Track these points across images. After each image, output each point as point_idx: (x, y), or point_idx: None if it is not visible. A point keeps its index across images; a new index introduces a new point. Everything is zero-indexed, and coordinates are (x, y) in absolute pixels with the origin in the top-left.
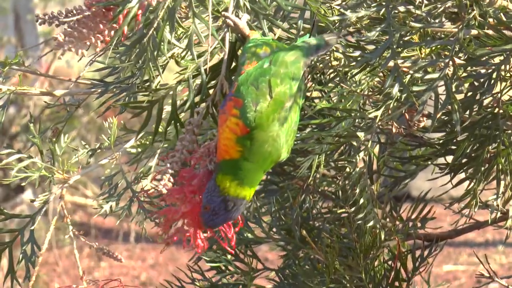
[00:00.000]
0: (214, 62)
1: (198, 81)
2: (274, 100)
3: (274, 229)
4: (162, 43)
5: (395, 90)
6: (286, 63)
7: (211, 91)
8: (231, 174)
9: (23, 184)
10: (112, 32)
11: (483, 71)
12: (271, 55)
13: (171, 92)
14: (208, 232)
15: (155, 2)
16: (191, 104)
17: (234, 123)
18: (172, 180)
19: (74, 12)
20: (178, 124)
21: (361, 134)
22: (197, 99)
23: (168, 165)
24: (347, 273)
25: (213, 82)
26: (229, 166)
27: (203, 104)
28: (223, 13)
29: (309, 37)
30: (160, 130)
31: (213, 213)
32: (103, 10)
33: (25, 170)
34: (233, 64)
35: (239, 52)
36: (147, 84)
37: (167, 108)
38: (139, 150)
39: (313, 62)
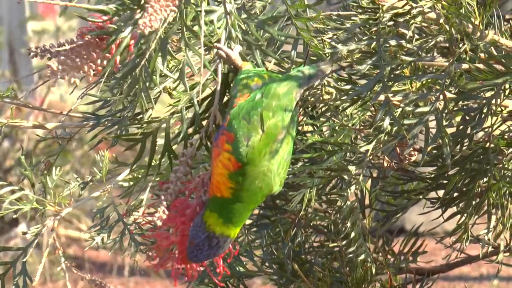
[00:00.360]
0: (206, 94)
1: (190, 114)
2: (266, 134)
3: (266, 263)
4: (154, 74)
5: (386, 124)
6: (278, 95)
7: (204, 123)
8: (218, 213)
9: (15, 216)
10: (105, 62)
11: (474, 105)
12: (263, 87)
13: (164, 125)
14: (196, 265)
15: (147, 32)
16: (184, 136)
17: (227, 158)
18: (166, 212)
19: (66, 44)
20: (171, 156)
21: (352, 168)
22: (190, 130)
23: (163, 197)
24: None
25: (206, 114)
26: (218, 204)
27: (197, 136)
28: (215, 44)
29: (303, 66)
30: (153, 163)
31: (196, 248)
32: (96, 39)
33: (17, 203)
34: (226, 95)
35: (232, 83)
36: (140, 116)
37: (160, 141)
38: (131, 183)
39: (304, 96)
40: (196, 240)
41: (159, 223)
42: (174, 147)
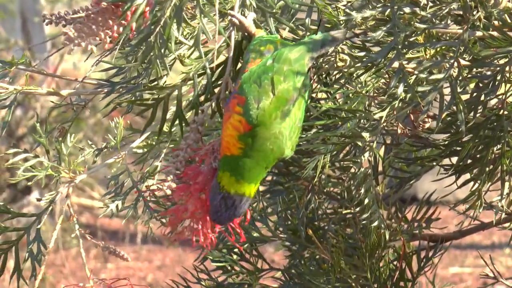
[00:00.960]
0: (219, 61)
1: (203, 81)
2: (276, 98)
3: (280, 229)
4: (169, 41)
5: (400, 90)
6: (289, 60)
7: (216, 90)
8: (229, 171)
9: (29, 184)
10: (121, 29)
11: (488, 72)
12: (275, 53)
13: (176, 92)
14: (217, 229)
15: None
16: (195, 102)
17: (237, 120)
18: (176, 180)
19: (81, 11)
20: (183, 122)
21: (366, 135)
22: (202, 98)
23: (172, 164)
24: (353, 272)
25: (219, 81)
26: (229, 162)
27: (208, 103)
28: (229, 11)
29: (316, 34)
30: (165, 129)
31: (215, 210)
32: (112, 6)
33: (32, 170)
34: (239, 62)
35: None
36: (154, 83)
37: (172, 109)
38: (145, 150)
39: (318, 63)
40: (213, 202)
41: (168, 192)
42: (186, 115)
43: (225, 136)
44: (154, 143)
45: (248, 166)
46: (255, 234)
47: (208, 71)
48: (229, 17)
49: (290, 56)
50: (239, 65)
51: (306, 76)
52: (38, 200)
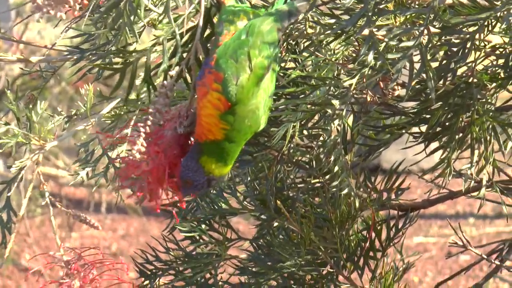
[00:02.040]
0: (188, 27)
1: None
2: (253, 73)
3: (249, 199)
4: (138, 8)
5: (370, 58)
6: (262, 33)
7: (184, 55)
8: (215, 156)
9: None
10: None
11: (457, 40)
12: (247, 25)
13: (145, 58)
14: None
15: None
16: (164, 67)
17: (216, 98)
18: (145, 144)
19: None
20: (151, 88)
21: (335, 102)
22: (171, 62)
23: (141, 128)
24: (322, 244)
25: (188, 47)
26: (213, 147)
27: (177, 68)
28: None
29: (284, 3)
30: (133, 97)
31: (195, 187)
32: None
33: (1, 137)
34: (207, 29)
35: (215, 18)
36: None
37: (141, 76)
38: (113, 119)
39: (287, 31)
40: (195, 182)
41: (137, 155)
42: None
43: (204, 115)
44: (122, 112)
45: (230, 151)
46: (224, 206)
47: (178, 36)
48: None
49: (263, 28)
50: (208, 31)
51: (277, 48)
52: (9, 167)
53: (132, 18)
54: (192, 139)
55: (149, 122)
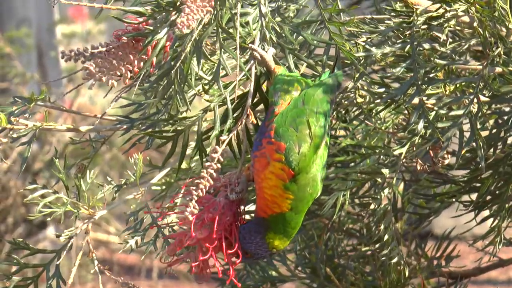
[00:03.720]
0: (237, 94)
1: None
2: (313, 141)
3: (299, 267)
4: (189, 76)
5: (420, 126)
6: (317, 101)
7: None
8: (281, 232)
9: (47, 219)
10: (142, 63)
11: (507, 108)
12: (302, 94)
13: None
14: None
15: (185, 31)
16: (216, 134)
17: (279, 168)
18: (197, 207)
19: (100, 47)
20: (203, 154)
21: (385, 171)
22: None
23: (194, 192)
24: None
25: (237, 113)
26: (279, 221)
27: (230, 134)
28: (250, 45)
29: (332, 72)
30: (184, 166)
31: (254, 260)
32: (132, 41)
33: (50, 206)
34: (257, 95)
35: (264, 85)
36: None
37: (192, 145)
38: (164, 187)
39: (338, 99)
40: (257, 255)
41: (190, 218)
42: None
43: (267, 188)
44: (172, 180)
45: (296, 222)
46: (274, 273)
47: (229, 102)
48: (250, 51)
49: (317, 98)
50: (256, 98)
51: (329, 117)
52: (58, 236)
53: (182, 86)
54: (242, 206)
55: (201, 186)
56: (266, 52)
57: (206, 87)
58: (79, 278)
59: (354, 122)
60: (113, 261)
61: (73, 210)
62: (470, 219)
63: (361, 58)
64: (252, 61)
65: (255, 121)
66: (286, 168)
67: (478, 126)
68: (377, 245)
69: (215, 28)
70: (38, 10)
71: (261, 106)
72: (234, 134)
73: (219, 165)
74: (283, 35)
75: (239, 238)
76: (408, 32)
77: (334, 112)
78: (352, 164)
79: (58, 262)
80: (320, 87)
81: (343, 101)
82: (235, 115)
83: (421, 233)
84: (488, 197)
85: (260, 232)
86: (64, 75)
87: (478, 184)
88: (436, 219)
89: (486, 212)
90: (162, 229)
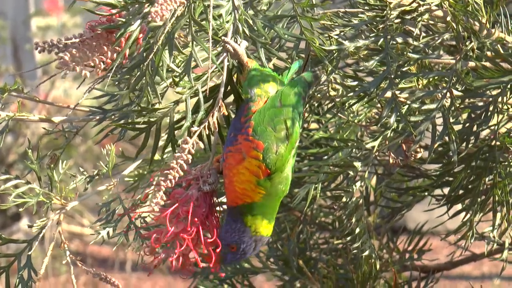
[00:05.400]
0: (208, 86)
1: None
2: (290, 142)
3: (272, 259)
4: (161, 68)
5: (393, 120)
6: (293, 101)
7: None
8: (260, 214)
9: (20, 210)
10: (115, 55)
11: (480, 103)
12: (279, 93)
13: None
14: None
15: (158, 21)
16: (187, 125)
17: (256, 165)
18: (164, 198)
19: (74, 38)
20: (175, 145)
21: (358, 164)
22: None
23: (162, 182)
24: None
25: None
26: (252, 207)
27: (201, 126)
28: (223, 38)
29: (302, 66)
30: (156, 158)
31: (242, 252)
32: (106, 32)
33: (23, 196)
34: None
35: (234, 76)
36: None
37: (164, 136)
38: (136, 179)
39: (311, 92)
40: (242, 245)
41: (156, 208)
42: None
43: (239, 181)
44: (145, 172)
45: (271, 208)
46: (246, 265)
47: (201, 94)
48: (223, 44)
49: (293, 98)
50: (228, 87)
51: (302, 114)
52: (30, 226)
53: (154, 78)
54: (215, 198)
55: (170, 177)
56: (239, 45)
57: (177, 80)
58: (53, 270)
59: (327, 115)
60: (87, 254)
61: (46, 200)
62: (442, 213)
63: (334, 51)
64: (224, 54)
65: (226, 113)
66: (263, 166)
67: (451, 120)
68: (348, 238)
69: (188, 20)
70: (14, 3)
71: (232, 97)
72: (205, 125)
73: (189, 156)
74: (255, 28)
75: (220, 236)
76: (381, 26)
77: (307, 105)
78: (325, 157)
79: (30, 253)
80: (295, 87)
81: (316, 94)
82: (206, 105)
83: (394, 227)
84: (461, 191)
85: (238, 218)
86: (39, 67)
87: (451, 178)
88: (409, 213)
89: (458, 206)
90: (133, 221)
